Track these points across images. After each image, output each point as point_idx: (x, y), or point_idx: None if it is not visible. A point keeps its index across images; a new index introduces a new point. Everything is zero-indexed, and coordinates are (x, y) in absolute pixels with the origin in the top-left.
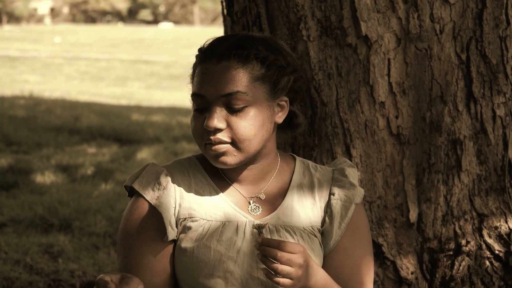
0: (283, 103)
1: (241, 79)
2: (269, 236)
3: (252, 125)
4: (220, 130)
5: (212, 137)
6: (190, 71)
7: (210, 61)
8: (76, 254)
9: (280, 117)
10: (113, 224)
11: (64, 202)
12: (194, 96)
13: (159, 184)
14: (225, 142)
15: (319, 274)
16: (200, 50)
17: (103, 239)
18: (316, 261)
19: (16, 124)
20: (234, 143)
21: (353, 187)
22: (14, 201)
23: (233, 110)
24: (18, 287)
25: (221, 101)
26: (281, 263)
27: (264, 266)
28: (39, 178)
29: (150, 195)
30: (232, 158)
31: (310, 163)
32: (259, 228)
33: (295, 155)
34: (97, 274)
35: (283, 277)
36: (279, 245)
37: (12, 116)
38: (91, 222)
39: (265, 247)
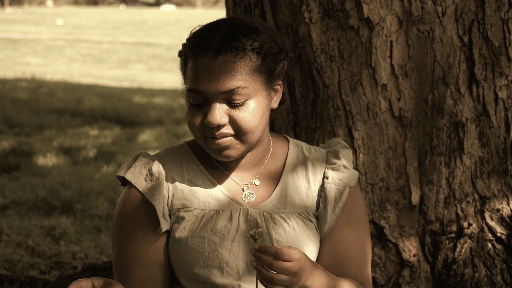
0: (277, 87)
1: (240, 74)
2: (264, 225)
3: (254, 117)
4: (223, 125)
5: (216, 133)
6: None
7: (206, 56)
8: (78, 236)
9: (275, 102)
10: (115, 206)
11: (66, 184)
12: (191, 92)
13: (151, 174)
14: (229, 135)
15: (316, 274)
16: (190, 42)
17: (105, 221)
18: (312, 246)
19: (18, 106)
20: (237, 135)
21: (347, 170)
22: (16, 183)
23: (234, 105)
24: (20, 270)
25: (221, 97)
26: (276, 272)
27: (258, 272)
28: (41, 161)
29: (142, 186)
30: (235, 150)
31: (304, 145)
32: (254, 235)
33: (288, 137)
34: (99, 256)
35: (278, 284)
36: (276, 253)
37: (14, 99)
38: (93, 204)
39: (261, 255)
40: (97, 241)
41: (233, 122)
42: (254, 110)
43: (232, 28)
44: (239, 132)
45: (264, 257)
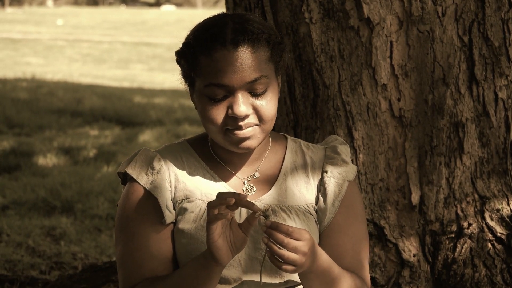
0: (279, 79)
1: (260, 63)
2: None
3: (274, 105)
4: (248, 115)
5: (242, 123)
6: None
7: (225, 49)
8: (78, 236)
9: (279, 94)
10: (115, 206)
11: (66, 184)
12: (213, 86)
13: (153, 168)
14: (253, 125)
15: (322, 258)
16: (199, 39)
17: (106, 221)
18: None
19: (18, 106)
20: (259, 124)
21: (345, 164)
22: (16, 183)
23: (256, 94)
24: (20, 270)
25: (245, 87)
26: (287, 250)
27: (268, 249)
28: (41, 161)
29: (144, 180)
30: (255, 140)
31: (302, 142)
32: (265, 211)
33: (286, 135)
34: (99, 256)
35: (287, 263)
36: (288, 231)
37: (14, 99)
38: (93, 204)
39: (273, 232)
40: (97, 241)
41: (256, 111)
42: (273, 98)
43: (238, 21)
44: (262, 121)
45: (276, 233)
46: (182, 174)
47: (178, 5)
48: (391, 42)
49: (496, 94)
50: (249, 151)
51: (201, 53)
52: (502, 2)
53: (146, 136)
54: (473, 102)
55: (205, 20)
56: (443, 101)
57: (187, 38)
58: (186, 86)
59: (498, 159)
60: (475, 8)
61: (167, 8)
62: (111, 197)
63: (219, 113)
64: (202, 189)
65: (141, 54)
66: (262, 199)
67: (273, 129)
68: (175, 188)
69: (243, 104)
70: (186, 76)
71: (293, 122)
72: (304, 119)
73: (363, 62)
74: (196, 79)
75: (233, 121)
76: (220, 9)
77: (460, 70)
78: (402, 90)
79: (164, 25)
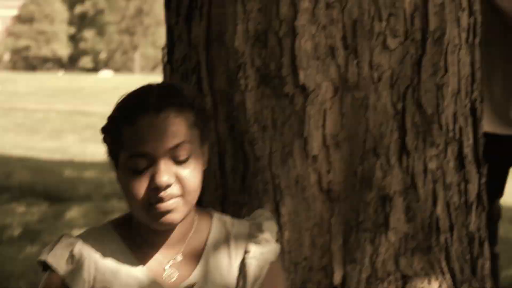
0: (204, 148)
1: (183, 128)
2: None
3: (197, 174)
4: (170, 185)
5: (163, 195)
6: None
7: (147, 116)
8: None
9: (205, 163)
10: None
11: None
12: (135, 157)
13: (73, 257)
14: (176, 196)
15: None
16: (122, 109)
17: None
18: None
19: None
20: (183, 195)
21: (269, 244)
22: None
23: (179, 162)
24: None
25: (167, 155)
26: None
27: None
28: None
29: (63, 270)
30: (179, 214)
31: (227, 218)
32: None
33: (212, 211)
34: None
35: None
36: None
37: None
38: None
39: None
40: None
41: (179, 180)
42: (196, 168)
43: (163, 87)
44: (185, 191)
45: None
46: (103, 263)
47: (116, 70)
48: (325, 110)
49: (425, 165)
50: (172, 227)
51: (124, 124)
52: (438, 66)
53: (74, 213)
54: (402, 174)
55: (131, 91)
56: (372, 173)
57: (112, 112)
58: (113, 165)
59: (423, 235)
60: (410, 73)
61: (104, 74)
62: (32, 281)
63: (141, 186)
64: (122, 279)
65: (75, 124)
66: (181, 286)
67: (200, 205)
68: (94, 279)
69: (165, 173)
70: (111, 153)
71: (221, 198)
72: (233, 194)
73: (295, 132)
74: (120, 153)
75: (155, 192)
76: (158, 74)
77: (391, 139)
78: (332, 161)
79: (100, 92)
